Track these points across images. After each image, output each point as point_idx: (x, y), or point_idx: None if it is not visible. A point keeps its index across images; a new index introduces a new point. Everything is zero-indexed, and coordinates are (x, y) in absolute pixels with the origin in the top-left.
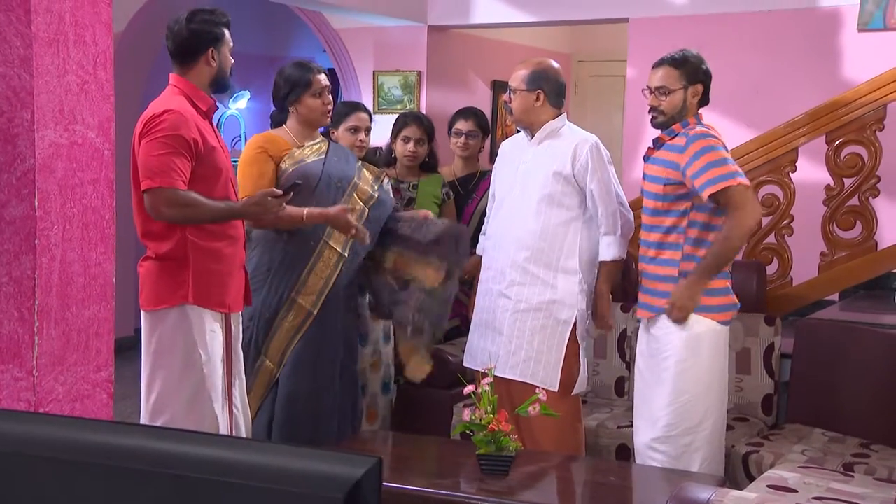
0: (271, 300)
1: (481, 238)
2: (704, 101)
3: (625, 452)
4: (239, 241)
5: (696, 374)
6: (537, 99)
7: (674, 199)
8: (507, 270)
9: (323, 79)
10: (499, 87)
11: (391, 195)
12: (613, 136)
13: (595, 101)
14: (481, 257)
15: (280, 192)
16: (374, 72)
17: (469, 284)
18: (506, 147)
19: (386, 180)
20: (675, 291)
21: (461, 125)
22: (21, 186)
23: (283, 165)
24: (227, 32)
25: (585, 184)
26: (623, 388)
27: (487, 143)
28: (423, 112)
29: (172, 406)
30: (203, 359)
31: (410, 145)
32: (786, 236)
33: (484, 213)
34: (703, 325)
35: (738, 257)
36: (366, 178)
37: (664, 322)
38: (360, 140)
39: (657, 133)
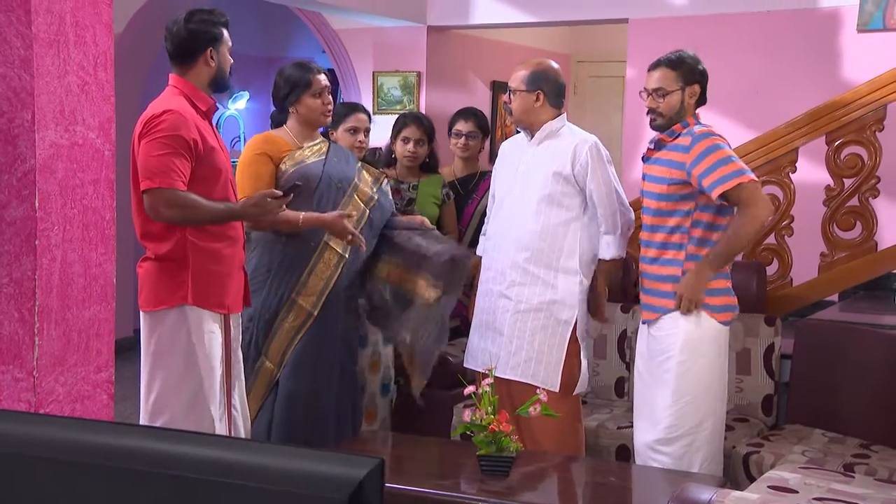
0: (271, 301)
1: (481, 239)
2: (702, 100)
3: (625, 453)
4: (238, 241)
5: (698, 375)
6: (537, 99)
7: (678, 199)
8: (507, 271)
9: (323, 79)
10: (498, 88)
11: (390, 198)
12: (613, 137)
13: (594, 101)
14: (481, 258)
15: (280, 192)
16: (373, 72)
17: (469, 285)
18: (505, 148)
19: (385, 183)
20: (682, 282)
21: (461, 126)
22: (21, 187)
23: (282, 167)
24: (225, 32)
25: (585, 184)
26: (623, 388)
27: (487, 143)
28: (423, 113)
29: (172, 407)
30: (202, 360)
31: (410, 146)
32: (786, 237)
33: (484, 214)
34: (704, 327)
35: (739, 258)
36: (365, 180)
37: (665, 323)
38: (360, 141)
39: (656, 133)
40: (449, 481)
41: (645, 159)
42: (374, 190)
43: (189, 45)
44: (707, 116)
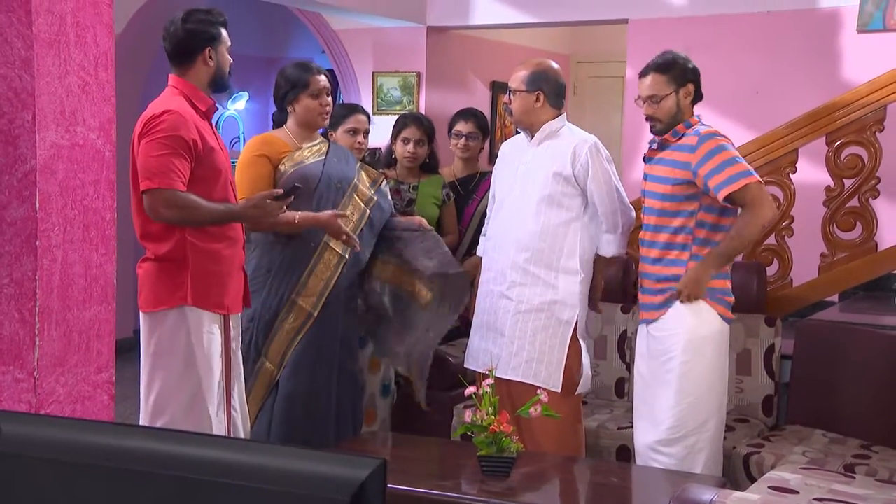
0: (271, 302)
1: (481, 239)
2: (698, 97)
3: (625, 453)
4: (238, 242)
5: (700, 375)
6: (537, 100)
7: (682, 200)
8: (507, 271)
9: (322, 79)
10: (498, 88)
11: (389, 200)
12: (612, 137)
13: (594, 102)
14: (481, 258)
15: (280, 191)
16: (373, 73)
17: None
18: (506, 148)
19: (384, 184)
20: (684, 279)
21: (461, 126)
22: (22, 188)
23: (281, 167)
24: (223, 32)
25: (586, 184)
26: (623, 389)
27: (487, 144)
28: (423, 113)
29: (172, 407)
30: (201, 360)
31: (410, 146)
32: (786, 237)
33: (484, 215)
34: (705, 324)
35: (739, 258)
36: (364, 181)
37: (667, 323)
38: (359, 142)
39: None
40: (449, 482)
41: (647, 159)
42: (372, 191)
43: (187, 45)
44: (707, 116)
